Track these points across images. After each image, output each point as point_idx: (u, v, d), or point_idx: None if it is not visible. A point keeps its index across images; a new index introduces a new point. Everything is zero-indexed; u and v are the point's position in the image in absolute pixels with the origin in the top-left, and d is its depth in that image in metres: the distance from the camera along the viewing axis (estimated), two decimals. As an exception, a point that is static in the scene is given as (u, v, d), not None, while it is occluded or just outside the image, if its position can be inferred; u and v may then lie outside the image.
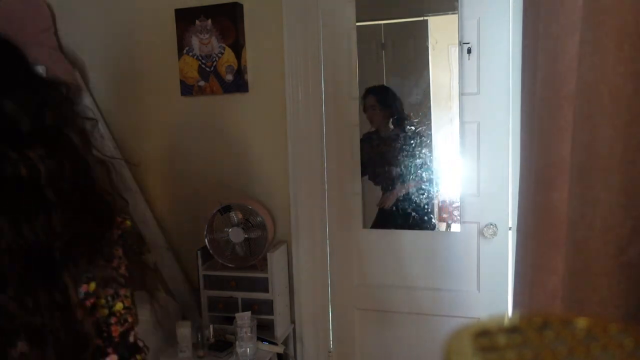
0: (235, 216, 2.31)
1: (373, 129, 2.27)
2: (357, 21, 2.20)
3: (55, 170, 0.78)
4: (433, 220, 2.22)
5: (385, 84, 2.24)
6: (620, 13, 0.54)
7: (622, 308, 0.57)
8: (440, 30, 2.12)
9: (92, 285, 0.83)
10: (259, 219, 2.32)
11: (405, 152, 2.20)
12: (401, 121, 2.23)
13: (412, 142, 2.19)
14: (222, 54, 2.36)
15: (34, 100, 0.83)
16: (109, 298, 0.87)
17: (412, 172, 2.20)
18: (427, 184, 2.19)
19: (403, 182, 2.23)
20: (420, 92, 2.16)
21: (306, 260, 2.39)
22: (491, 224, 2.16)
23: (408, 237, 2.29)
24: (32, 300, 0.74)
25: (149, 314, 2.57)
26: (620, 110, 0.55)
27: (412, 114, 2.19)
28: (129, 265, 0.91)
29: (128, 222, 0.95)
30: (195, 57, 2.41)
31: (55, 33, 2.60)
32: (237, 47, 2.34)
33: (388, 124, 2.27)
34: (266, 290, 2.27)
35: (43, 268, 0.76)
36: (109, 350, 0.89)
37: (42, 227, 0.74)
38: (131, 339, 0.94)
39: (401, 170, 2.22)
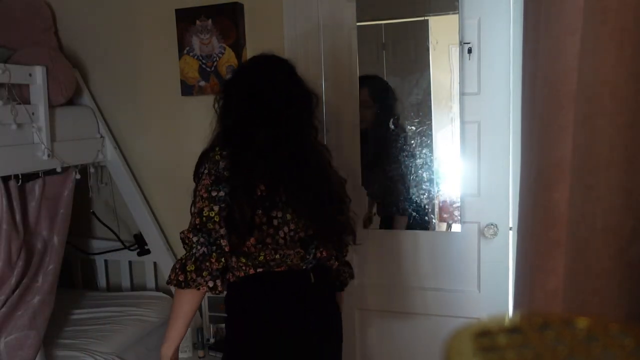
0: (236, 216, 2.31)
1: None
2: (358, 21, 2.20)
3: None
4: (433, 221, 2.22)
5: (385, 79, 2.23)
6: (621, 13, 0.54)
7: (622, 308, 0.57)
8: (441, 30, 2.12)
9: None
10: (259, 219, 2.31)
11: (405, 153, 2.20)
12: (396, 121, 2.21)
13: (412, 142, 2.19)
14: (223, 54, 2.36)
15: None
16: None
17: (413, 172, 2.20)
18: (428, 184, 2.19)
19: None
20: (421, 92, 2.16)
21: (306, 260, 2.39)
22: (492, 224, 2.16)
23: (408, 237, 2.29)
24: None
25: (154, 314, 2.57)
26: (621, 110, 0.55)
27: (412, 113, 2.19)
28: None
29: None
30: (195, 57, 2.40)
31: (56, 33, 2.61)
32: (238, 47, 2.34)
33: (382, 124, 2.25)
34: (266, 290, 2.26)
35: None
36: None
37: None
38: None
39: (402, 170, 2.22)
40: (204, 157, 1.54)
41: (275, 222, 1.49)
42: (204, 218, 1.44)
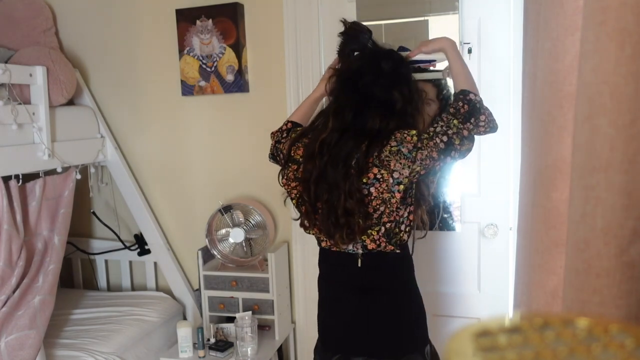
0: (236, 216, 2.31)
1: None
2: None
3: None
4: (434, 221, 2.22)
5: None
6: (621, 13, 0.54)
7: (623, 308, 0.57)
8: (441, 30, 2.12)
9: None
10: (259, 218, 2.32)
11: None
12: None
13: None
14: (223, 54, 2.36)
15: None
16: None
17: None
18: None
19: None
20: (421, 92, 2.16)
21: (307, 260, 2.39)
22: (492, 224, 2.16)
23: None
24: None
25: (154, 314, 2.57)
26: (621, 110, 0.55)
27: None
28: None
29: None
30: (196, 57, 2.41)
31: (56, 33, 2.61)
32: (238, 47, 2.34)
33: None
34: (267, 290, 2.27)
35: None
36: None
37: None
38: None
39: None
40: None
41: None
42: None
